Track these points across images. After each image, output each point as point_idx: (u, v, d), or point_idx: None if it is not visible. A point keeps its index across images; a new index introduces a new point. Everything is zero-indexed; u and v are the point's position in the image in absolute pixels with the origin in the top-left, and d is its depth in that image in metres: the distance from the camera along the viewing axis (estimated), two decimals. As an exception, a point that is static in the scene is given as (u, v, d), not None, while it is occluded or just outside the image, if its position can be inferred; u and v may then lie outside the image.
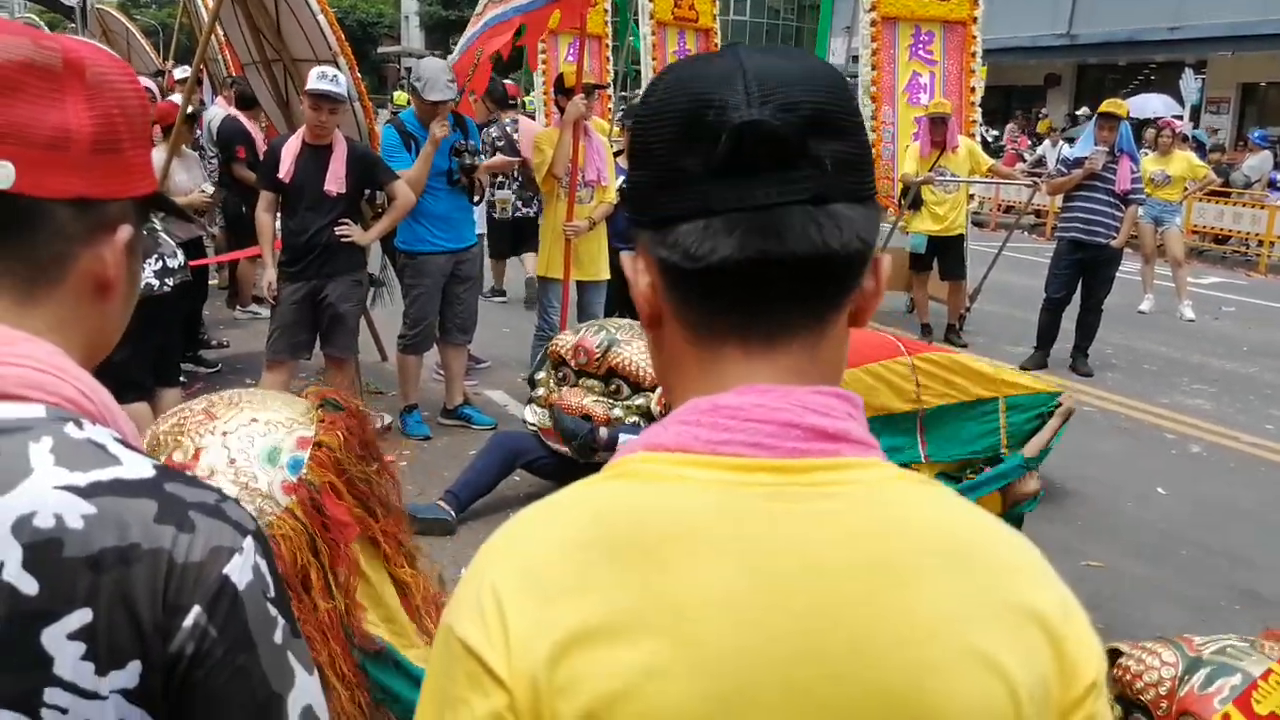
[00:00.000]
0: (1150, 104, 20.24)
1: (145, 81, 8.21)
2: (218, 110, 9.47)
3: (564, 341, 5.28)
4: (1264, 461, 7.06)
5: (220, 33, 9.10)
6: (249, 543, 0.96)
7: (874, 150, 10.20)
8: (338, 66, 6.49)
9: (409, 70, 6.52)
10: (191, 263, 6.74)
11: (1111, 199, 8.67)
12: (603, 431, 4.97)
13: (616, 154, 7.51)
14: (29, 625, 0.87)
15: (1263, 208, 16.47)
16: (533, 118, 12.46)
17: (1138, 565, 5.29)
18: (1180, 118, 18.14)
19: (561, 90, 6.92)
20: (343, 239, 6.04)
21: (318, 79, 5.81)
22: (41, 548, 0.88)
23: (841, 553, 0.82)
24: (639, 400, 5.01)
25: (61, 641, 0.87)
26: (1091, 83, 28.93)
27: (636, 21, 13.25)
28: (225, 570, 0.93)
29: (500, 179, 9.60)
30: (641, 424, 4.93)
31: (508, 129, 9.08)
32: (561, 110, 6.75)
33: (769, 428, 0.84)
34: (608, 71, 14.12)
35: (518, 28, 6.69)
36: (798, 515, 0.82)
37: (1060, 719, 0.85)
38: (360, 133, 6.90)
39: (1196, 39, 24.76)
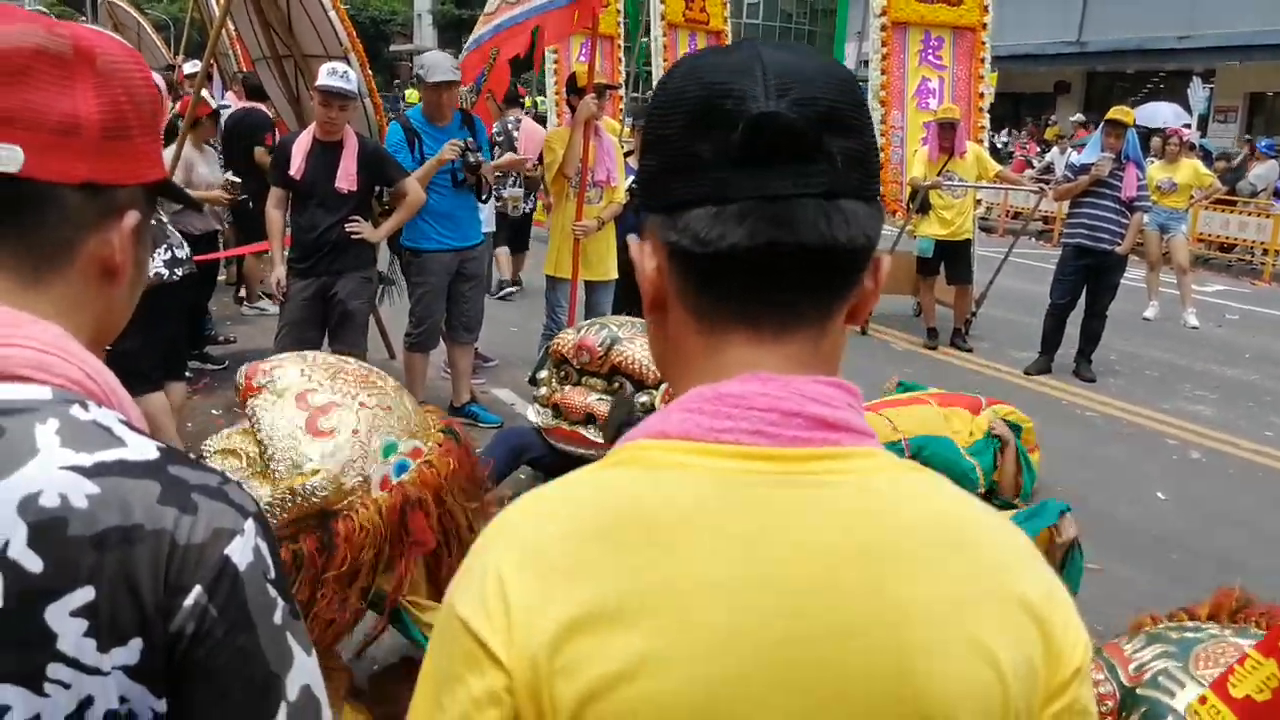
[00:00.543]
0: (1160, 113, 20.17)
1: (154, 76, 8.25)
2: (228, 104, 9.52)
3: (566, 340, 5.29)
4: (1263, 468, 7.09)
5: (231, 27, 9.14)
6: (250, 525, 0.98)
7: (882, 154, 10.33)
8: (348, 63, 6.53)
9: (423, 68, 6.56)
10: (200, 257, 6.79)
11: (1117, 205, 8.69)
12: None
13: (627, 154, 7.54)
14: (33, 602, 0.88)
15: (1268, 217, 16.46)
16: (543, 119, 12.50)
17: (1130, 569, 5.33)
18: (1189, 126, 18.15)
19: (573, 90, 6.95)
20: (353, 236, 6.07)
21: (327, 75, 5.84)
22: (46, 526, 0.89)
23: (836, 538, 0.84)
24: (643, 398, 5.01)
25: (65, 618, 0.89)
26: (1100, 90, 28.90)
27: (648, 24, 13.28)
28: (226, 551, 0.95)
29: (513, 177, 9.67)
30: None
31: (509, 126, 9.13)
32: (573, 110, 6.78)
33: (771, 416, 0.86)
34: (620, 72, 14.15)
35: (532, 30, 6.72)
36: (795, 502, 0.84)
37: (1046, 703, 0.87)
38: (370, 129, 6.94)
39: (1205, 48, 24.75)
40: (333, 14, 6.90)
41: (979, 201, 10.66)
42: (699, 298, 0.90)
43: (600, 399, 5.06)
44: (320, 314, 6.19)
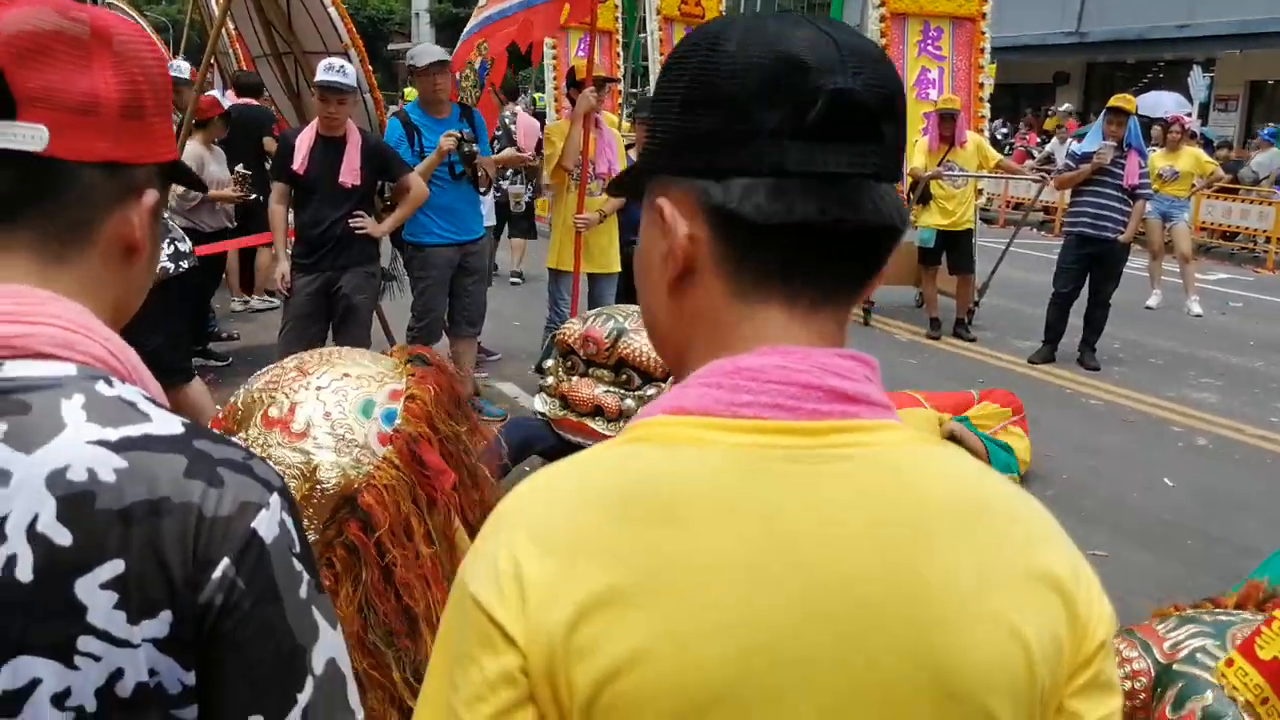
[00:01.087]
0: (1163, 102, 20.16)
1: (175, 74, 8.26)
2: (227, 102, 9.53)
3: (571, 330, 5.27)
4: (1269, 453, 7.08)
5: (231, 26, 9.14)
6: (276, 499, 0.99)
7: (883, 145, 10.33)
8: (348, 58, 6.53)
9: (422, 66, 6.59)
10: (202, 249, 6.81)
11: (1119, 194, 8.67)
12: None
13: (628, 147, 7.53)
14: (63, 576, 0.89)
15: (1270, 204, 16.44)
16: (542, 115, 12.51)
17: (1143, 555, 5.32)
18: (1190, 115, 18.13)
19: (573, 84, 6.95)
20: (356, 231, 6.07)
21: (325, 70, 5.84)
22: (75, 500, 0.90)
23: (855, 513, 0.83)
24: (650, 390, 4.98)
25: (94, 591, 0.90)
26: (1100, 80, 28.85)
27: (644, 19, 13.26)
28: (253, 525, 0.96)
29: (514, 172, 9.69)
30: None
31: (506, 120, 9.15)
32: (573, 103, 6.78)
33: (790, 390, 0.85)
34: (618, 67, 14.14)
35: (523, 24, 6.72)
36: (814, 477, 0.83)
37: (1071, 677, 0.87)
38: (371, 124, 6.94)
39: (1205, 37, 24.68)
40: (332, 10, 6.90)
41: (980, 191, 10.65)
42: (740, 265, 0.88)
43: (608, 391, 5.05)
44: (324, 309, 6.20)
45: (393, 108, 8.66)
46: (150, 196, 1.08)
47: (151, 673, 0.92)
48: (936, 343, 9.80)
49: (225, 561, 0.93)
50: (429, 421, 2.42)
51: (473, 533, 2.59)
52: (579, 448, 5.11)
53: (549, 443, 5.40)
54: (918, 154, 9.63)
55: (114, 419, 0.95)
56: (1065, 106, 24.05)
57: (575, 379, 5.21)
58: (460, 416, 2.50)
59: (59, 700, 0.89)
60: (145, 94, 1.05)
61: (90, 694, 0.90)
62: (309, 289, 6.12)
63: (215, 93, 9.21)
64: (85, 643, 0.89)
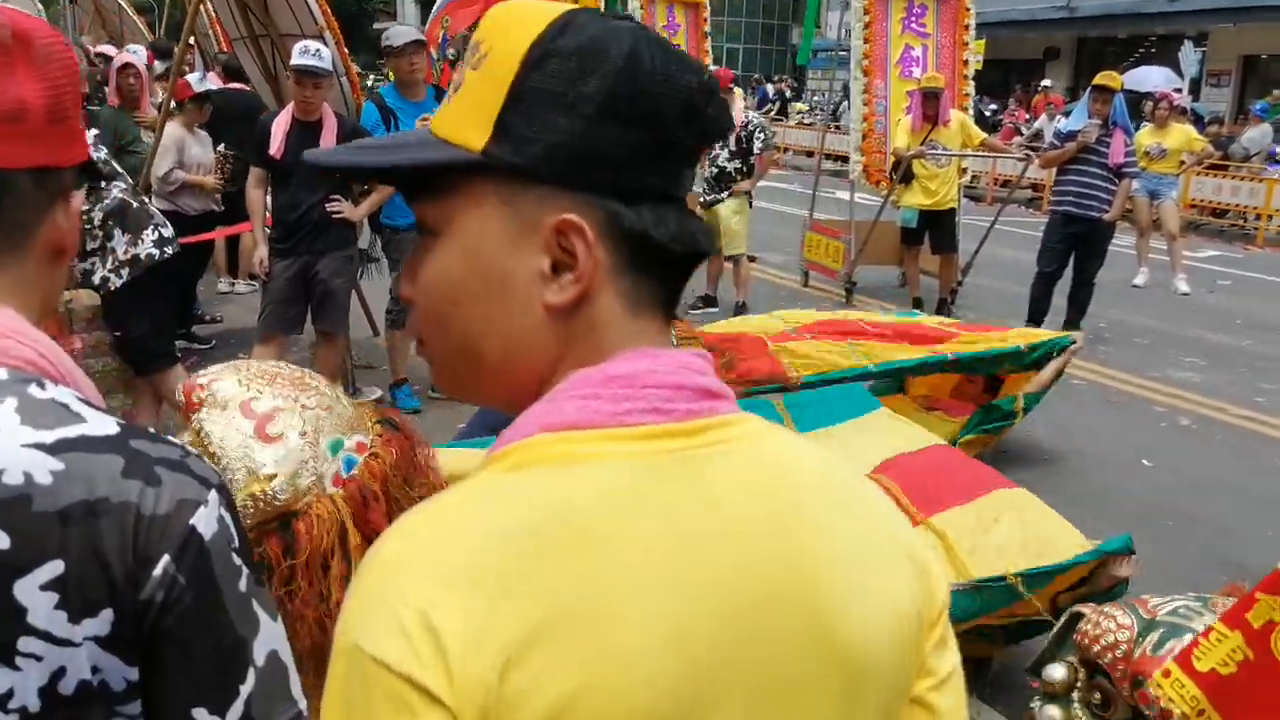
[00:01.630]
0: (1151, 77, 20.09)
1: (133, 58, 8.20)
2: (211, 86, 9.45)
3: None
4: (1252, 434, 7.08)
5: (210, 7, 9.06)
6: (213, 495, 1.00)
7: (865, 124, 10.27)
8: (324, 41, 6.48)
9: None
10: (192, 238, 6.80)
11: (1105, 172, 8.64)
12: None
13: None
14: (2, 578, 0.90)
15: (1261, 181, 16.42)
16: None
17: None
18: (1180, 91, 18.05)
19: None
20: (334, 215, 6.06)
21: (300, 54, 5.81)
22: (11, 504, 0.91)
23: (748, 507, 0.83)
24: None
25: (34, 592, 0.90)
26: (1091, 55, 28.77)
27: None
28: (192, 521, 0.97)
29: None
30: None
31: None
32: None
33: (664, 392, 0.84)
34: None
35: (486, 3, 6.71)
36: (704, 477, 0.83)
37: (925, 639, 0.92)
38: (348, 107, 6.88)
39: (1197, 10, 24.62)
40: (308, -9, 6.83)
41: (964, 170, 10.61)
42: (638, 286, 0.87)
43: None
44: (303, 293, 6.21)
45: (370, 85, 8.59)
46: (77, 199, 1.10)
47: (94, 670, 0.93)
48: (921, 323, 9.74)
49: (165, 559, 0.95)
50: (383, 483, 2.43)
51: None
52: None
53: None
54: (900, 133, 9.59)
55: (48, 422, 0.95)
56: (1045, 83, 23.96)
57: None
58: (416, 483, 2.52)
59: (2, 701, 0.91)
60: (67, 96, 1.06)
61: (33, 694, 0.91)
62: (287, 273, 6.13)
63: (196, 75, 9.12)
64: (26, 643, 0.91)
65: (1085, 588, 3.76)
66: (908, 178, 9.50)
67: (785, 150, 25.10)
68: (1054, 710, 2.89)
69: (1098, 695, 2.75)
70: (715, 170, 9.37)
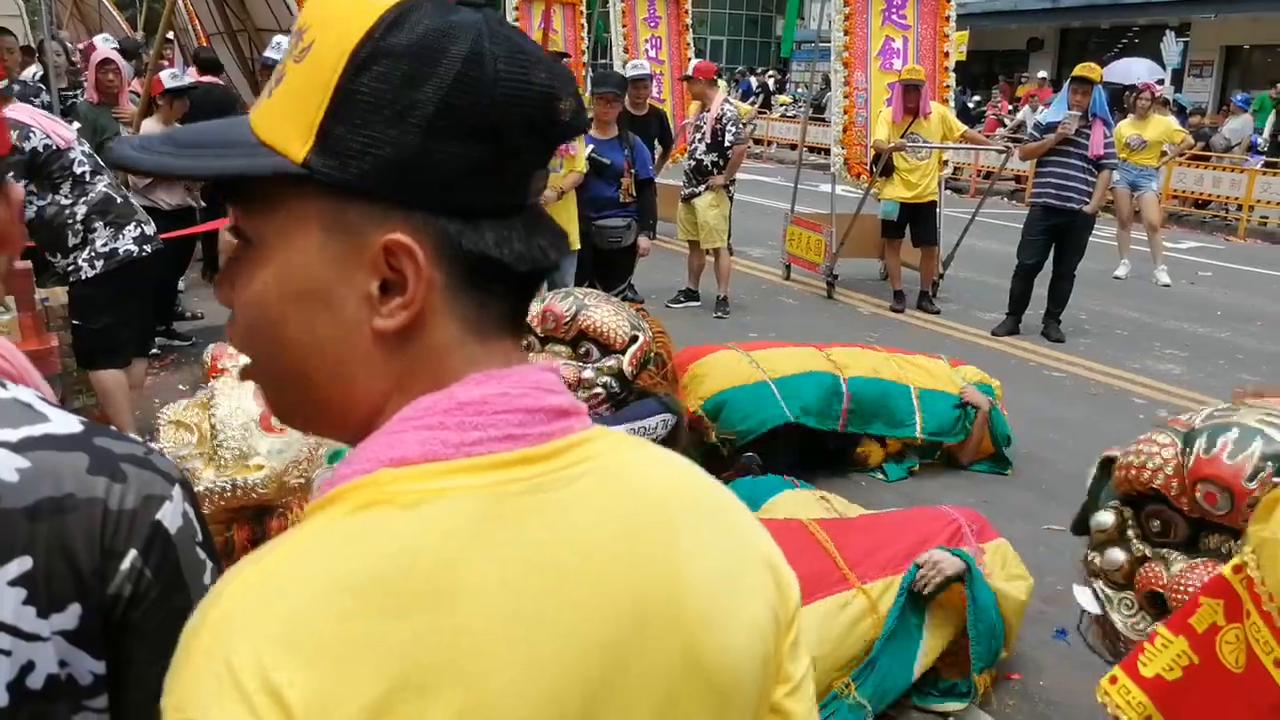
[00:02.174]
0: (1134, 69, 20.14)
1: (112, 53, 8.15)
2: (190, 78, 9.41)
3: (530, 309, 5.27)
4: (1230, 425, 7.10)
5: (188, 3, 9.02)
6: (177, 491, 1.01)
7: (846, 117, 10.26)
8: (300, 36, 6.45)
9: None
10: (175, 233, 6.74)
11: (1085, 164, 8.65)
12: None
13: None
14: None
15: (1242, 172, 16.47)
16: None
17: (1098, 530, 5.33)
18: (1162, 82, 18.09)
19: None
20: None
21: (273, 49, 5.80)
22: None
23: (607, 532, 0.80)
24: (609, 362, 4.98)
25: (3, 588, 0.91)
26: (1074, 46, 28.82)
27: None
28: (158, 516, 0.98)
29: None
30: (614, 385, 4.90)
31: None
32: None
33: (516, 416, 0.78)
34: (583, 39, 14.03)
35: None
36: (560, 504, 0.78)
37: (783, 641, 0.90)
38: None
39: (1180, 1, 24.67)
40: (284, -15, 6.82)
41: (945, 162, 10.61)
42: (482, 308, 0.80)
43: (565, 364, 5.04)
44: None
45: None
46: (17, 189, 1.10)
47: (62, 664, 0.94)
48: (900, 316, 9.77)
49: (133, 554, 0.96)
50: None
51: None
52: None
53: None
54: (881, 125, 9.58)
55: (12, 421, 0.96)
56: (1042, 74, 24.00)
57: (532, 355, 5.21)
58: None
59: None
60: None
61: (1, 688, 0.92)
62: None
63: (174, 70, 9.08)
64: None
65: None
66: (888, 170, 9.50)
67: (769, 144, 25.09)
68: (1116, 553, 2.83)
69: (1156, 523, 2.71)
70: (693, 163, 9.35)
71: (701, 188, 9.30)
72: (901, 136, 9.39)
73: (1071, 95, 8.74)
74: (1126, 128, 11.46)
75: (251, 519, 2.57)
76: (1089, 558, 2.95)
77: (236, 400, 2.61)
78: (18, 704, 0.92)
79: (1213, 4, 24.09)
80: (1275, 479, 1.65)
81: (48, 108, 7.97)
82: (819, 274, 10.58)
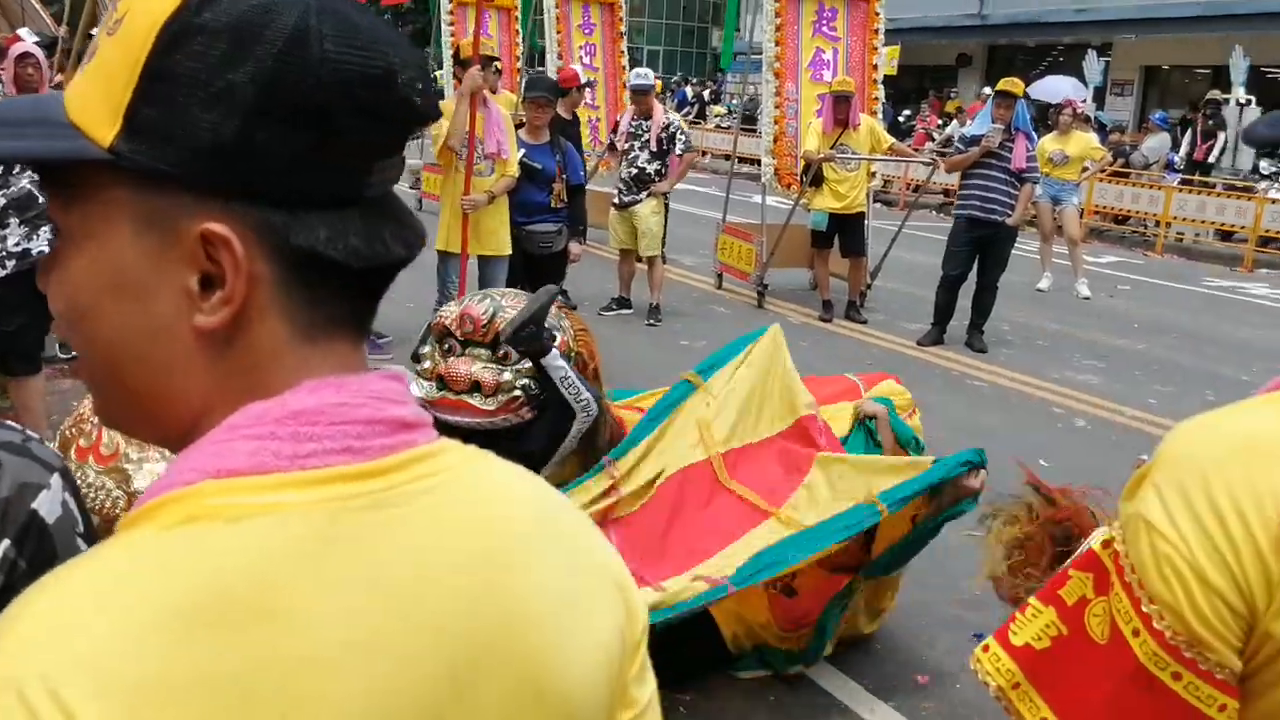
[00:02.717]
0: (1060, 87, 20.54)
1: (33, 48, 7.99)
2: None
3: (448, 313, 5.22)
4: (1144, 434, 7.26)
5: (113, -2, 8.87)
6: (56, 479, 0.99)
7: (777, 127, 10.36)
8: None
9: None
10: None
11: (1007, 177, 8.83)
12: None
13: (518, 126, 7.47)
14: None
15: (1160, 189, 16.87)
16: (440, 93, 12.37)
17: (1016, 535, 5.42)
18: (1085, 100, 18.49)
19: (459, 62, 6.88)
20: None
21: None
22: None
23: (452, 553, 0.75)
24: (528, 363, 4.98)
25: None
26: (1001, 63, 29.29)
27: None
28: (33, 505, 0.96)
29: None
30: (533, 387, 4.89)
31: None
32: (460, 82, 6.72)
33: (355, 428, 0.73)
34: (518, 45, 14.03)
35: None
36: (402, 522, 0.74)
37: (630, 664, 0.87)
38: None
39: (1101, 21, 25.23)
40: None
41: (874, 174, 10.77)
42: (314, 308, 0.75)
43: (485, 367, 5.02)
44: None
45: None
46: None
47: None
48: (828, 325, 9.89)
49: (6, 543, 0.94)
50: None
51: None
52: (456, 429, 5.09)
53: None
54: (811, 136, 9.68)
55: None
56: (986, 90, 24.42)
57: (452, 359, 5.18)
58: None
59: None
60: None
61: None
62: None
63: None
64: None
65: (935, 502, 3.96)
66: (818, 181, 9.61)
67: (704, 154, 25.24)
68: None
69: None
70: (634, 171, 9.35)
71: (644, 195, 9.32)
72: (831, 147, 9.51)
73: (995, 109, 8.92)
74: (1049, 143, 11.70)
75: None
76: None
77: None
78: None
79: (1134, 25, 24.68)
80: (1143, 458, 1.68)
81: (-35, 102, 7.79)
82: (749, 283, 10.66)
